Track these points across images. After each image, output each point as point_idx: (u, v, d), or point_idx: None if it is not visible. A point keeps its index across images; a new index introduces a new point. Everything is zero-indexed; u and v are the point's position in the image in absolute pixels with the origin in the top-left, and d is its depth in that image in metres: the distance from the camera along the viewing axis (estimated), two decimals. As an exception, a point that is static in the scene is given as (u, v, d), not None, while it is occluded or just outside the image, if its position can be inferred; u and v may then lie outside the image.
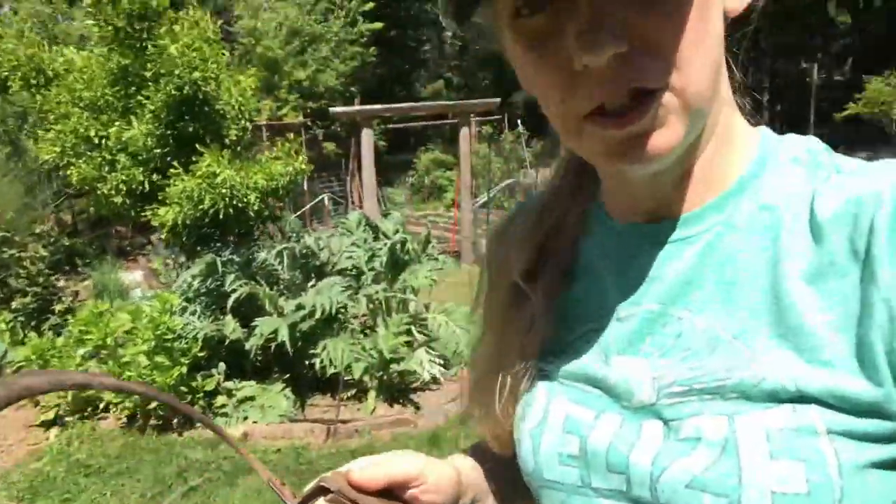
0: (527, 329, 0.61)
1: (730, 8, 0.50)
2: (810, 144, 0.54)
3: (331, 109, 9.98)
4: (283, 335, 4.41)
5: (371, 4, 17.99)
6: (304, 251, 5.34)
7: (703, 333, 0.51)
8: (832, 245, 0.47)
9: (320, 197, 12.97)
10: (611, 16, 0.43)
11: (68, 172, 5.19)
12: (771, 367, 0.47)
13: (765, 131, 0.56)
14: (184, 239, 5.23)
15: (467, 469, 0.68)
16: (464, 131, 10.24)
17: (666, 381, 0.51)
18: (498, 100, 10.40)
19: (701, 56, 0.46)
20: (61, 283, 7.73)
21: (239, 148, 5.40)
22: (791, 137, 0.56)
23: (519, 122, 14.18)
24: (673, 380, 0.51)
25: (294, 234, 5.78)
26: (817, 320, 0.46)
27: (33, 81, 5.45)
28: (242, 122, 5.30)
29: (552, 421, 0.58)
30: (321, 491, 0.54)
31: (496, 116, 13.74)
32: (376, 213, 9.23)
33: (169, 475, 3.84)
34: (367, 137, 9.51)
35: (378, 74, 20.17)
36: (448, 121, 13.18)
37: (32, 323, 6.77)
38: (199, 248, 5.35)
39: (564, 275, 0.62)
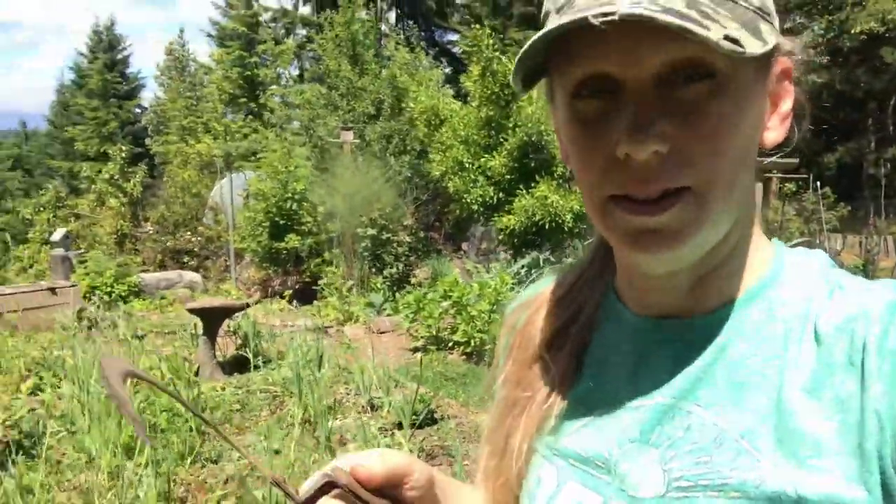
0: (549, 390, 0.64)
1: (767, 141, 0.55)
2: (819, 260, 0.58)
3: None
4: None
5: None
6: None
7: (711, 429, 0.53)
8: (833, 358, 0.50)
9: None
10: (657, 122, 0.49)
11: (448, 185, 7.66)
12: (773, 470, 0.49)
13: (778, 245, 0.61)
14: (514, 240, 7.32)
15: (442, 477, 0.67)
16: (758, 185, 11.00)
17: (674, 475, 0.53)
18: (797, 160, 10.92)
19: (729, 173, 0.51)
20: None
21: (562, 180, 7.37)
22: (801, 252, 0.60)
23: (818, 184, 14.09)
24: (680, 474, 0.53)
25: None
26: (819, 429, 0.49)
27: (433, 122, 8.08)
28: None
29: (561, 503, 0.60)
30: (328, 486, 0.53)
31: (801, 175, 13.93)
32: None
33: (496, 390, 5.82)
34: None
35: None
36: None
37: (394, 288, 9.49)
38: (523, 250, 7.41)
39: (578, 359, 0.65)
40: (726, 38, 0.44)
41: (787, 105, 0.56)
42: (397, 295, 8.92)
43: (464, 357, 6.72)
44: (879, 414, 0.47)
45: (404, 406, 4.81)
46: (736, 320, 0.56)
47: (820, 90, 26.85)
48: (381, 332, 7.85)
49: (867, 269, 13.25)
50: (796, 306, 0.55)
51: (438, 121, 8.06)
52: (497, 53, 6.98)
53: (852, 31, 23.03)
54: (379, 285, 9.11)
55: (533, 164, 7.11)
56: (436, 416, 4.96)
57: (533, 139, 6.91)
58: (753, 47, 0.47)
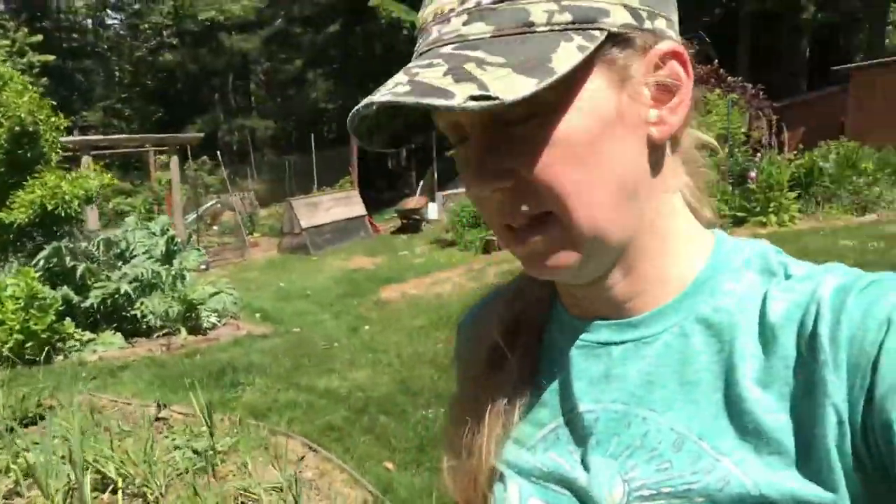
0: (506, 393, 0.63)
1: (654, 137, 0.53)
2: (763, 248, 0.57)
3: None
4: (125, 289, 6.68)
5: (40, 37, 18.47)
6: (114, 240, 7.52)
7: (669, 433, 0.53)
8: (783, 349, 0.49)
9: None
10: (493, 161, 0.51)
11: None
12: (735, 470, 0.49)
13: (719, 234, 0.60)
14: (10, 236, 7.01)
15: None
16: (174, 160, 12.52)
17: (635, 485, 0.53)
18: (202, 135, 12.81)
19: (590, 191, 0.50)
20: None
21: (62, 170, 7.35)
22: (743, 241, 0.58)
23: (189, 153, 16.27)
24: (642, 483, 0.53)
25: (94, 231, 7.83)
26: (774, 423, 0.48)
27: None
28: (56, 149, 7.26)
29: None
30: None
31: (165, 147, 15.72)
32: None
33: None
34: (86, 163, 11.21)
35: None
36: (137, 150, 14.95)
37: None
38: (18, 243, 7.12)
39: (533, 356, 0.64)
40: (472, 97, 0.44)
41: (679, 95, 0.53)
42: None
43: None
44: (837, 408, 0.45)
45: (15, 407, 4.79)
46: (679, 316, 0.55)
47: (173, 69, 30.52)
48: None
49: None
50: (741, 296, 0.54)
51: None
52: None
53: (198, 18, 27.06)
54: None
55: (29, 155, 6.87)
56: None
57: (29, 129, 6.69)
58: (522, 88, 0.44)
